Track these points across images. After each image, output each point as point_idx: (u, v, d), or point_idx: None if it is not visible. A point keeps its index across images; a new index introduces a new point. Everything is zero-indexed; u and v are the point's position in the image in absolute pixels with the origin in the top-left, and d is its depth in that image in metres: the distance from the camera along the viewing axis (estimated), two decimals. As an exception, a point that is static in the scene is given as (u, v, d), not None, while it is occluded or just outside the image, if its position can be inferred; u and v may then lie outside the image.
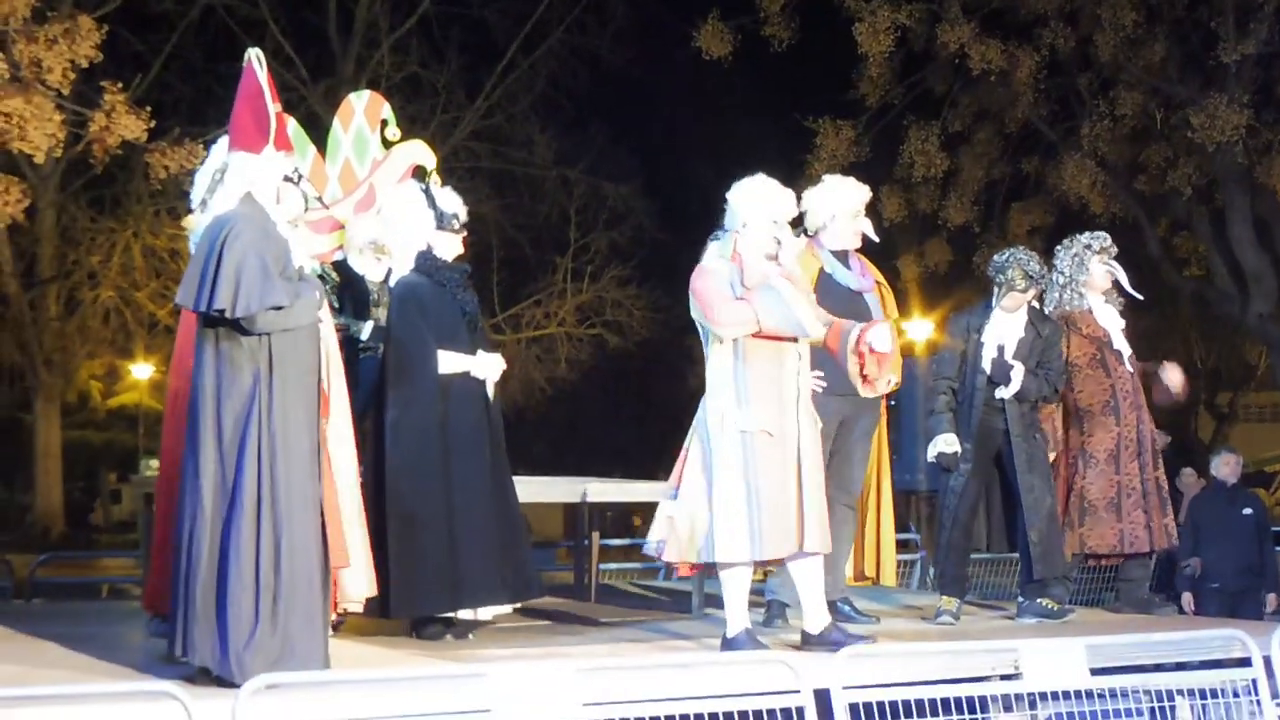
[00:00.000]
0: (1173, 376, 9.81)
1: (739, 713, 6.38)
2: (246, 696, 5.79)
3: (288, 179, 7.42)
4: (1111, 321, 10.48)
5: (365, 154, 10.68)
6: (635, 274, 35.48)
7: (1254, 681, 7.36)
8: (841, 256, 9.54)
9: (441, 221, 8.89)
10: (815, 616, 8.18)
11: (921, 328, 31.56)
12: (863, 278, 9.62)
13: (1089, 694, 7.40)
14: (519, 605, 8.95)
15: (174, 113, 27.98)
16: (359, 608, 8.03)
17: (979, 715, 6.95)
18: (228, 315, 6.84)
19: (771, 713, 6.42)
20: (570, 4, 34.03)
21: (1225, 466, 13.57)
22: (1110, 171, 24.75)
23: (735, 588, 8.03)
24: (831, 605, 9.46)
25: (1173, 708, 7.44)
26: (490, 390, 8.86)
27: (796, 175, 21.64)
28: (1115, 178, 24.86)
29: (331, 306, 8.44)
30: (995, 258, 9.95)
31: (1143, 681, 7.48)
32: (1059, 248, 10.65)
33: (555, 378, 35.37)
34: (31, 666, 7.32)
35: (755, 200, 8.13)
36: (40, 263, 34.66)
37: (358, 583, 7.75)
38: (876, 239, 9.38)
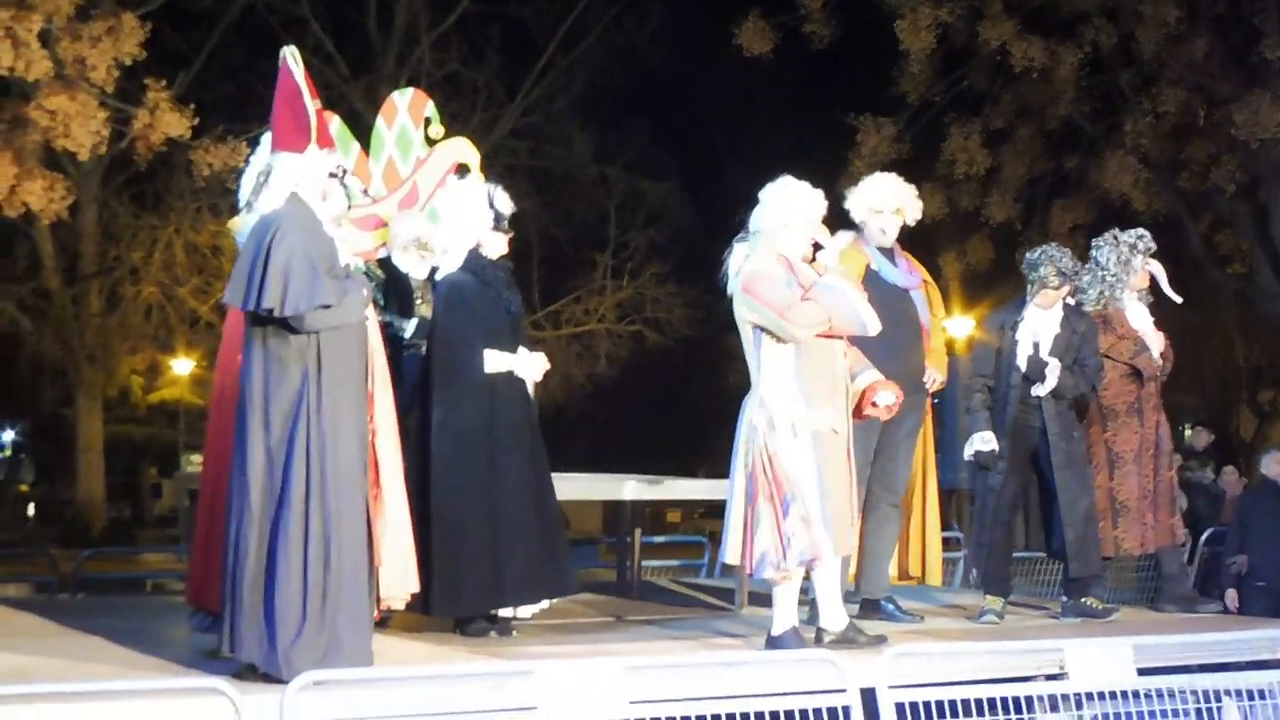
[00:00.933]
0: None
1: (785, 712, 6.37)
2: (294, 693, 5.81)
3: (332, 175, 7.43)
4: (1143, 320, 10.44)
5: (409, 151, 10.71)
6: (674, 271, 35.50)
7: (1302, 682, 7.34)
8: (888, 253, 9.54)
9: (498, 222, 8.90)
10: (837, 614, 8.18)
11: (963, 325, 31.47)
12: (910, 275, 9.62)
13: (1135, 694, 7.37)
14: (559, 601, 8.96)
15: (216, 110, 28.05)
16: (402, 605, 8.06)
17: (1024, 715, 6.93)
18: (276, 314, 6.86)
19: (818, 711, 6.41)
20: (609, 3, 34.06)
21: (1276, 465, 13.51)
22: (1152, 168, 24.65)
23: (789, 587, 8.03)
24: (875, 604, 9.49)
25: (1220, 708, 7.41)
26: (530, 389, 8.88)
27: (837, 173, 21.66)
28: (1157, 175, 24.76)
29: (375, 304, 8.45)
30: (1028, 254, 9.92)
31: (1189, 682, 7.44)
32: (1100, 242, 10.59)
33: (595, 374, 35.42)
34: (78, 661, 7.34)
35: (794, 202, 8.14)
36: (83, 259, 34.78)
37: (401, 581, 7.77)
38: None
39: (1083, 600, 9.72)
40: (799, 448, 7.92)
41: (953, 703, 6.70)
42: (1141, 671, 7.27)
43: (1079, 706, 7.32)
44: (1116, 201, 24.59)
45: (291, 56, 8.40)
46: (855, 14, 25.53)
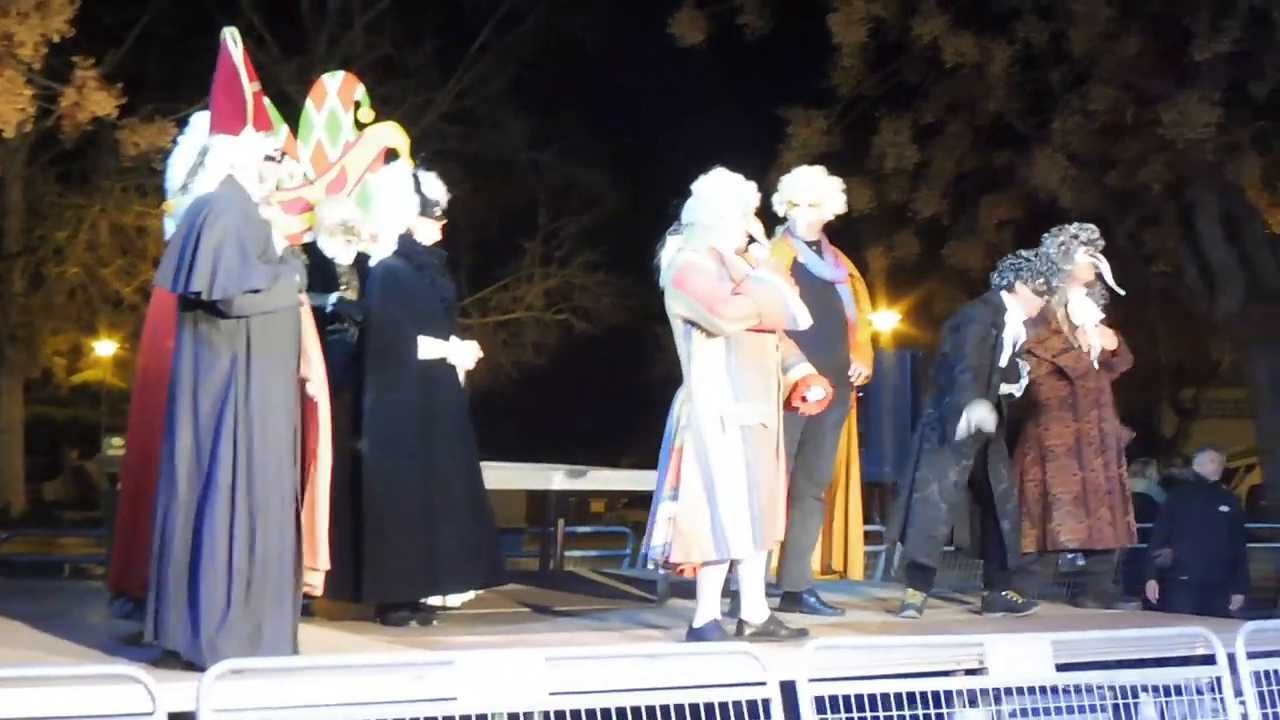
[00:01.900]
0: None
1: (705, 704, 6.37)
2: (211, 681, 5.77)
3: (269, 158, 7.39)
4: (1088, 315, 10.45)
5: (338, 135, 10.64)
6: (604, 260, 35.43)
7: (1218, 679, 7.40)
8: (814, 247, 9.56)
9: (425, 208, 8.86)
10: (758, 607, 8.19)
11: (888, 319, 31.60)
12: (836, 268, 9.63)
13: (1054, 690, 7.42)
14: (484, 591, 8.95)
15: (146, 89, 27.82)
16: (318, 591, 8.03)
17: (944, 709, 6.97)
18: (204, 297, 6.81)
19: (738, 704, 6.41)
20: (546, -13, 33.99)
21: (1210, 463, 13.69)
22: (1081, 166, 24.75)
23: (712, 579, 8.03)
24: (797, 597, 9.50)
25: (1137, 704, 7.47)
26: (461, 377, 8.85)
27: (769, 165, 21.67)
28: (1085, 172, 24.87)
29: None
30: (1020, 258, 9.90)
31: (1107, 678, 7.51)
32: (1046, 236, 10.60)
33: (522, 363, 35.35)
34: (-4, 646, 7.30)
35: (727, 194, 8.14)
36: (7, 237, 34.45)
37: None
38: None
39: (1004, 594, 9.76)
40: (727, 443, 7.91)
41: (872, 696, 6.72)
42: (1060, 667, 7.29)
43: (998, 701, 7.36)
44: (1045, 198, 24.68)
45: (231, 38, 8.36)
46: (789, 6, 25.54)
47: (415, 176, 8.98)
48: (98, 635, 7.66)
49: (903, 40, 25.10)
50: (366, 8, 33.66)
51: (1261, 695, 7.40)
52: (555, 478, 10.29)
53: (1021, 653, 7.27)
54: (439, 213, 8.95)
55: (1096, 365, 10.41)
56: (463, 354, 8.76)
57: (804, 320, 8.13)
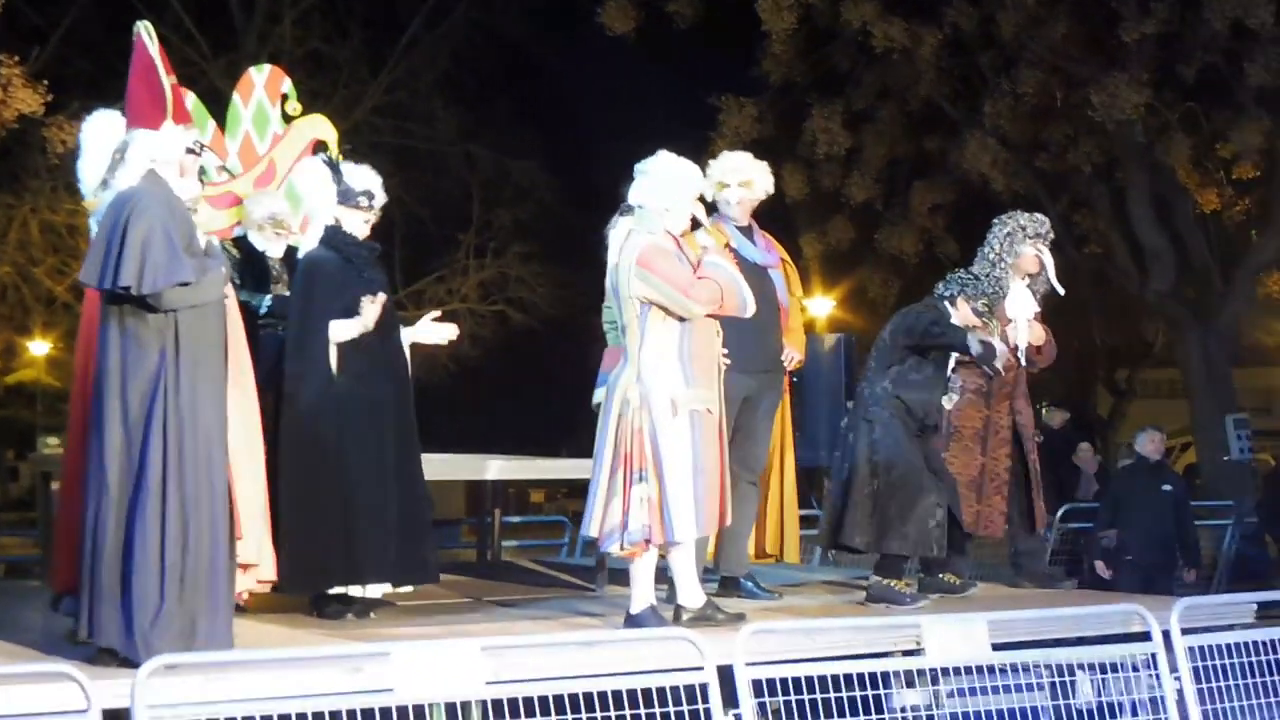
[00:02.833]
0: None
1: (643, 690, 6.37)
2: (145, 677, 5.73)
3: (190, 151, 7.34)
4: (1023, 309, 10.41)
5: (266, 129, 10.61)
6: (539, 250, 35.38)
7: (1153, 656, 7.43)
8: (746, 231, 9.57)
9: (346, 198, 8.81)
10: (694, 592, 8.20)
11: (823, 305, 31.66)
12: (768, 253, 9.65)
13: (990, 669, 7.45)
14: (416, 586, 8.90)
15: (73, 86, 27.60)
16: (262, 587, 8.01)
17: (882, 690, 6.98)
18: (133, 292, 6.75)
19: (675, 690, 6.41)
20: (474, -21, 33.88)
21: (1150, 443, 13.80)
22: (1011, 149, 24.88)
23: (645, 564, 8.04)
24: (735, 582, 9.51)
25: (1073, 682, 7.52)
26: (399, 367, 8.80)
27: (700, 152, 21.68)
28: (1016, 155, 25.00)
29: (232, 283, 8.35)
30: (958, 274, 9.94)
31: (1044, 656, 7.54)
32: (995, 222, 10.56)
33: (458, 354, 35.26)
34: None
35: (680, 178, 8.15)
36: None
37: (261, 566, 7.74)
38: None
39: (940, 576, 9.79)
40: (678, 427, 7.93)
41: (809, 679, 6.72)
42: (996, 646, 7.32)
43: (935, 681, 7.39)
44: (976, 182, 24.81)
45: (146, 31, 8.29)
46: (718, -8, 25.59)
47: (333, 164, 8.92)
48: (33, 634, 7.63)
49: (832, 26, 25.17)
50: (295, 3, 33.50)
51: (1196, 670, 7.43)
52: (490, 466, 10.27)
53: (958, 633, 7.29)
54: (366, 203, 8.89)
55: (1021, 362, 10.40)
56: (370, 313, 8.62)
57: (752, 307, 8.17)
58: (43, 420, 40.77)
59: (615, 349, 8.46)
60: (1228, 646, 7.56)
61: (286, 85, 10.68)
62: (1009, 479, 10.30)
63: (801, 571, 11.29)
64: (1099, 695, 7.61)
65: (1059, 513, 14.20)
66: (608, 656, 6.88)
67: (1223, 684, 7.47)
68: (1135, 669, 7.49)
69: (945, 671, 7.37)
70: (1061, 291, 10.62)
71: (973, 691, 7.43)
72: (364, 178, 8.93)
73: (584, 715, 6.20)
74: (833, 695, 6.74)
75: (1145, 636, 7.52)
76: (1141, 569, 13.14)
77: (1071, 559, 13.73)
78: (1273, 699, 7.58)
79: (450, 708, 6.28)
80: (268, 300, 9.52)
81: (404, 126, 34.38)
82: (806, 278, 26.38)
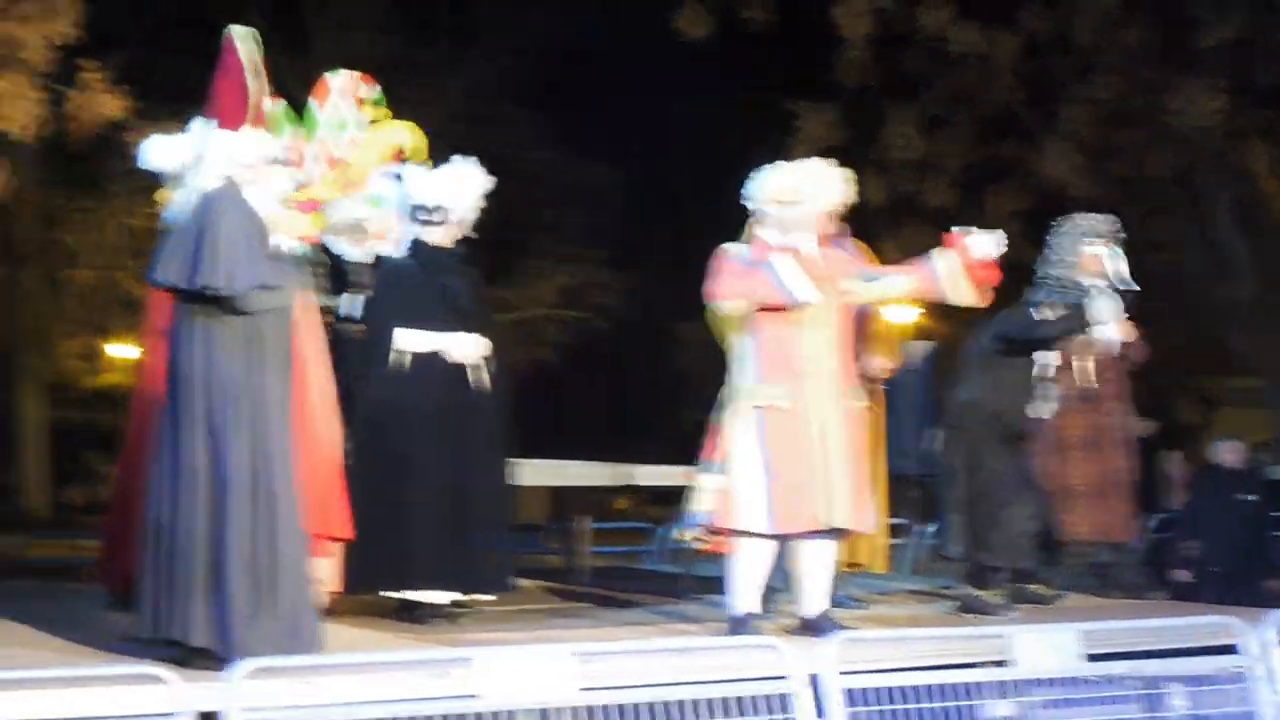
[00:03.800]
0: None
1: (734, 698, 6.35)
2: (236, 680, 5.75)
3: (269, 158, 7.35)
4: (1105, 308, 10.31)
5: (344, 134, 10.62)
6: (616, 256, 35.40)
7: (1247, 668, 7.35)
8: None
9: (415, 216, 8.82)
10: (812, 601, 8.17)
11: (908, 312, 31.50)
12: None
13: (1081, 680, 7.39)
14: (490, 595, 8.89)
15: (154, 91, 27.82)
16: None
17: (970, 701, 6.94)
18: (222, 293, 6.76)
19: (766, 698, 6.39)
20: (550, -14, 33.94)
21: (1230, 453, 13.66)
22: (1088, 155, 24.72)
23: (740, 567, 8.09)
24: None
25: (1165, 694, 7.43)
26: (474, 373, 8.79)
27: (776, 158, 21.63)
28: (1093, 161, 24.83)
29: (311, 287, 8.40)
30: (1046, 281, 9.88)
31: (1134, 668, 7.48)
32: (1055, 225, 10.52)
33: (536, 360, 35.29)
34: (18, 648, 7.30)
35: (759, 185, 8.21)
36: (19, 242, 34.46)
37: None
38: None
39: (1030, 587, 9.72)
40: (740, 422, 8.07)
41: (899, 689, 6.70)
42: (1088, 657, 7.25)
43: (1025, 692, 7.33)
44: (1053, 188, 24.66)
45: (238, 36, 8.32)
46: (792, -1, 25.54)
47: (401, 178, 8.94)
48: (114, 636, 7.63)
49: (908, 31, 25.08)
50: (371, 7, 33.64)
51: (1290, 683, 7.35)
52: (577, 473, 10.28)
53: (1048, 644, 7.23)
54: (439, 219, 8.91)
55: (1115, 357, 10.34)
56: (458, 346, 8.68)
57: (804, 295, 8.10)
58: (126, 424, 40.96)
59: None
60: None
61: (366, 90, 10.70)
62: (1127, 480, 10.25)
63: (889, 581, 11.23)
64: (1191, 708, 7.53)
65: (1149, 522, 14.07)
66: (697, 663, 6.86)
67: (1318, 697, 7.38)
68: (1228, 681, 7.41)
69: (1035, 682, 7.31)
70: (1135, 288, 10.52)
71: (1063, 703, 7.37)
72: (436, 191, 8.92)
73: (675, 722, 6.20)
74: (923, 705, 6.71)
75: (1237, 649, 7.44)
76: (1223, 579, 13.01)
77: (1160, 568, 13.60)
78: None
79: (539, 714, 6.28)
80: (345, 301, 9.57)
81: (480, 132, 34.46)
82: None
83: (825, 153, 15.20)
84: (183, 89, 27.86)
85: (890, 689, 6.70)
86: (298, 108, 10.85)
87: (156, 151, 8.05)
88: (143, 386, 8.13)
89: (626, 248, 34.74)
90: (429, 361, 8.61)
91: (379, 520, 8.41)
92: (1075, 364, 10.27)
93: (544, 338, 35.17)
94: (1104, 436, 10.27)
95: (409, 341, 8.55)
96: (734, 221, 8.54)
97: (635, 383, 38.07)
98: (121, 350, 37.80)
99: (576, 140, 34.85)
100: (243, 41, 8.40)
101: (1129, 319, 10.46)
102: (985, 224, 23.69)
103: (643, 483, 12.34)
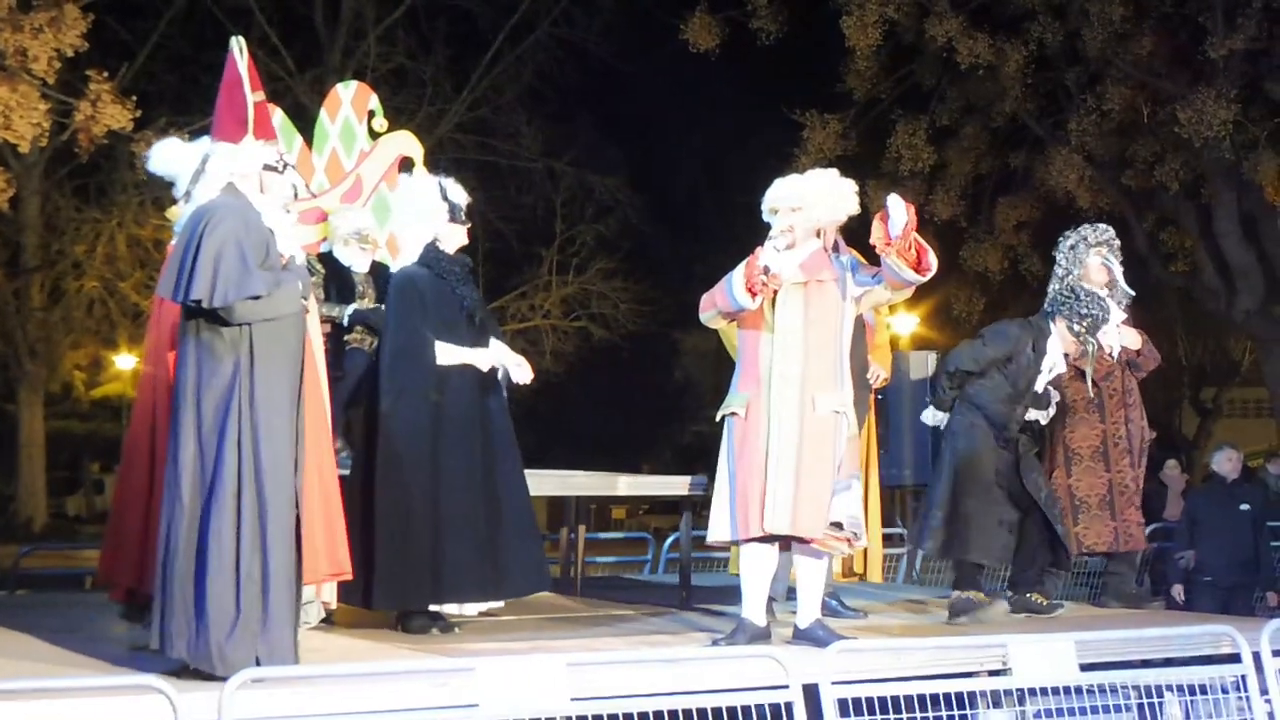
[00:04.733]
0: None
1: (727, 708, 6.35)
2: (232, 690, 5.75)
3: (270, 167, 7.35)
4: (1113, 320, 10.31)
5: (352, 145, 10.67)
6: (621, 266, 35.44)
7: (1243, 678, 7.34)
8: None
9: (454, 215, 8.81)
10: (805, 611, 8.18)
11: (907, 322, 31.54)
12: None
13: (1078, 690, 7.38)
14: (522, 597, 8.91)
15: (160, 102, 27.92)
16: (334, 604, 8.06)
17: (967, 711, 6.93)
18: (204, 305, 6.78)
19: (760, 708, 6.39)
20: (557, -4, 34.01)
21: (1227, 462, 13.62)
22: (1097, 166, 24.72)
23: (747, 574, 8.15)
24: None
25: (1161, 704, 7.42)
26: (505, 379, 8.83)
27: (783, 169, 21.65)
28: (1102, 172, 24.83)
29: (317, 297, 8.41)
30: (1065, 294, 9.86)
31: (1132, 677, 7.47)
32: (1060, 238, 10.54)
33: (540, 370, 35.27)
34: (16, 659, 7.27)
35: (767, 194, 8.23)
36: (24, 251, 34.57)
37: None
38: None
39: (1027, 596, 9.72)
40: (725, 432, 8.13)
41: (895, 699, 6.68)
42: (1084, 667, 7.25)
43: (1022, 702, 7.33)
44: (1062, 199, 24.66)
45: (238, 47, 8.34)
46: (802, 10, 25.54)
47: (441, 184, 8.92)
48: (119, 648, 7.64)
49: (917, 42, 25.11)
50: (379, 19, 33.71)
51: (1288, 693, 7.35)
52: (573, 483, 10.27)
53: (1045, 653, 7.22)
54: (462, 218, 8.92)
55: (1118, 365, 10.33)
56: (488, 358, 8.72)
57: (738, 298, 7.98)
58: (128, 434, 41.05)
59: None
60: (1319, 669, 7.47)
61: (373, 102, 10.75)
62: (1135, 490, 10.24)
63: (886, 590, 11.23)
64: (1187, 717, 7.52)
65: (1148, 531, 14.05)
66: (692, 674, 6.85)
67: (1314, 707, 7.38)
68: (1224, 691, 7.40)
69: (1032, 692, 7.31)
70: (1131, 293, 10.50)
71: (1059, 713, 7.37)
72: (456, 192, 8.95)
73: (668, 733, 6.20)
74: (918, 715, 6.69)
75: (1235, 658, 7.44)
76: (1220, 590, 12.99)
77: (1158, 580, 13.56)
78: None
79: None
80: (349, 310, 9.59)
81: (487, 143, 34.53)
82: (891, 294, 26.22)
83: (833, 163, 15.27)
84: (188, 99, 28.04)
85: (886, 698, 6.68)
86: (308, 119, 10.90)
87: (164, 156, 8.04)
88: (143, 397, 8.14)
89: (631, 258, 34.77)
90: (460, 373, 8.61)
91: (414, 535, 8.40)
92: (1084, 371, 10.26)
93: (545, 348, 35.18)
94: (1113, 446, 10.26)
95: (446, 355, 8.55)
96: (741, 233, 8.55)
97: (639, 393, 38.06)
98: (126, 361, 37.95)
99: (584, 150, 34.90)
100: (241, 52, 8.41)
101: (1137, 327, 10.46)
102: (993, 235, 23.75)
103: (643, 493, 12.37)
